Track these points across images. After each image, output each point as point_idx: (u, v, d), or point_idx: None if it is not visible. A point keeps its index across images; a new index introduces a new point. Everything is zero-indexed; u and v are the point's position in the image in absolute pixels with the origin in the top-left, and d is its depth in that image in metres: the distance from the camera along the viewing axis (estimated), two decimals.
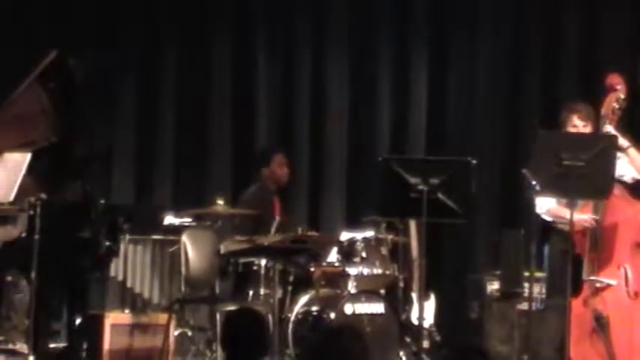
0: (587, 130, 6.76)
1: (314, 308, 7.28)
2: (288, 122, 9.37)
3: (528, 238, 7.28)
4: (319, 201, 9.31)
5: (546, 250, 7.00)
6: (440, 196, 6.41)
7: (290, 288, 7.38)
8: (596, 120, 6.75)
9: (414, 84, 9.45)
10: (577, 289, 6.53)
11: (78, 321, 6.84)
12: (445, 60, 9.45)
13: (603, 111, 6.70)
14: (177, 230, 7.52)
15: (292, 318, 7.23)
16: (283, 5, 9.37)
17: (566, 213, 6.45)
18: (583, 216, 6.60)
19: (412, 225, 7.98)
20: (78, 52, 7.20)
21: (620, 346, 6.46)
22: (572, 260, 6.25)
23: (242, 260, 7.31)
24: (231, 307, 6.84)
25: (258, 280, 7.25)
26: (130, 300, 7.51)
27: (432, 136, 9.39)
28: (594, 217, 6.62)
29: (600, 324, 6.47)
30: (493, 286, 8.19)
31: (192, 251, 7.37)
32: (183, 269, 7.34)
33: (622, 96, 6.71)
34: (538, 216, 6.89)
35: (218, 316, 7.10)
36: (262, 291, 7.23)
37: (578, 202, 6.49)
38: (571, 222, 6.28)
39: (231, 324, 5.07)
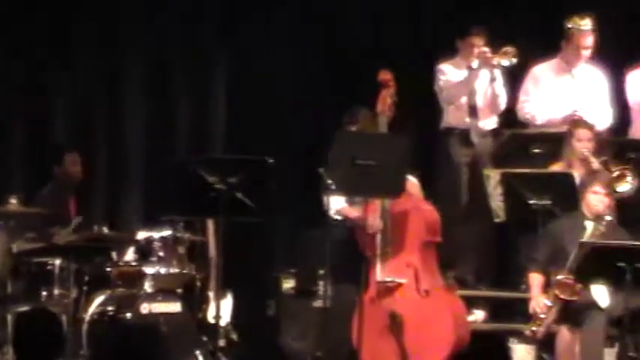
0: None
1: (110, 308, 7.20)
2: (86, 121, 9.24)
3: (324, 236, 7.39)
4: (117, 200, 9.22)
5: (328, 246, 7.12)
6: (238, 194, 6.45)
7: (85, 288, 7.28)
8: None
9: (213, 83, 9.47)
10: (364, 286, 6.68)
11: None
12: (245, 59, 9.49)
13: (380, 107, 6.87)
14: None
15: (87, 318, 7.13)
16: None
17: (354, 213, 6.59)
18: (373, 219, 6.73)
19: (210, 224, 8.00)
20: None
21: (412, 343, 6.64)
22: (353, 257, 6.38)
23: (35, 260, 7.18)
24: (24, 308, 6.72)
25: (52, 280, 7.13)
26: None
27: (232, 136, 9.42)
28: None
29: (394, 322, 6.63)
30: (289, 284, 8.31)
31: None
32: None
33: (393, 90, 6.91)
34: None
35: (9, 317, 6.93)
36: (56, 291, 7.12)
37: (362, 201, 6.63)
38: (365, 222, 6.42)
39: (23, 325, 4.99)
